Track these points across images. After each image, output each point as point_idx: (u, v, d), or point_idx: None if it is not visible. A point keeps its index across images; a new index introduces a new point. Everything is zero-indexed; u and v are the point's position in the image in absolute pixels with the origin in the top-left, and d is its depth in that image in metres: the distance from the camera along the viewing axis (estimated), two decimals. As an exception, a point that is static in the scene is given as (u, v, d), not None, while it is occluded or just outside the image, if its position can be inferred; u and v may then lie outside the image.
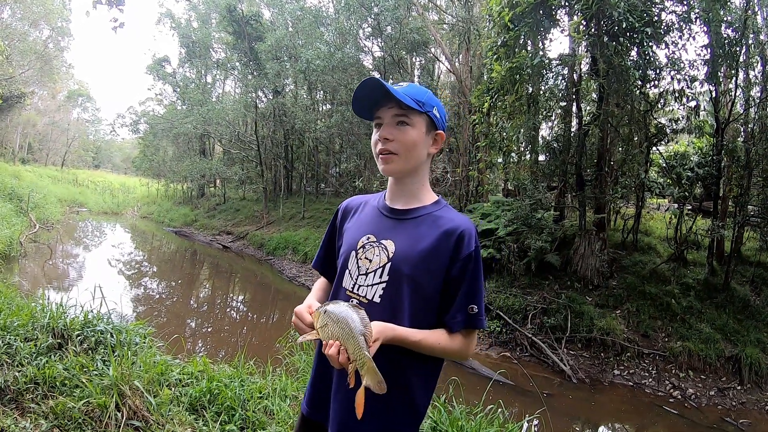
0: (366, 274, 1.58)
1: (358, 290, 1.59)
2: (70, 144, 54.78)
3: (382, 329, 1.43)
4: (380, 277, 1.56)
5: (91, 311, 4.73)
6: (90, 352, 4.05)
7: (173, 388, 3.76)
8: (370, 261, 1.58)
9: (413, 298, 1.54)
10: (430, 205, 1.66)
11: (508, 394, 7.27)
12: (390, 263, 1.55)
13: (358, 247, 1.62)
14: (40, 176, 36.16)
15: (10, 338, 3.87)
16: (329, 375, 1.62)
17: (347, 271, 1.63)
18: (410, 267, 1.53)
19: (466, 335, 1.60)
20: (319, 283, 1.88)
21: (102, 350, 4.06)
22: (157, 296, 12.86)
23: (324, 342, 1.41)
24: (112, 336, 4.31)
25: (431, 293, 1.55)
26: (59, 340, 4.05)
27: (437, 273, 1.55)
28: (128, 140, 57.55)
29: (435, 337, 1.54)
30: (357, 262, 1.61)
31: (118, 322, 4.86)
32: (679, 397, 7.61)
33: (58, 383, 3.44)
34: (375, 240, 1.61)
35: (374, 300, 1.55)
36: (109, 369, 3.54)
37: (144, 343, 4.59)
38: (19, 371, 3.49)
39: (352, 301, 1.50)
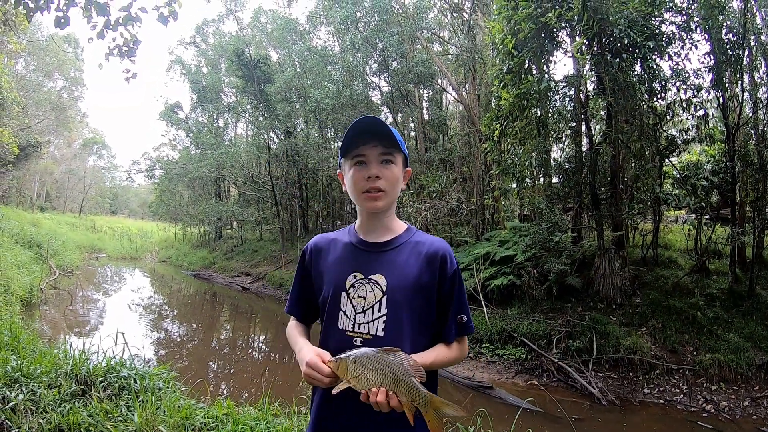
0: (364, 312, 1.61)
1: (359, 328, 1.61)
2: (87, 191, 55.68)
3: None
4: (379, 311, 1.60)
5: (114, 357, 4.75)
6: (114, 398, 4.05)
7: (198, 432, 3.73)
8: (364, 298, 1.62)
9: (412, 324, 1.62)
10: (404, 233, 1.75)
11: (537, 421, 7.11)
12: (385, 296, 1.61)
13: (348, 287, 1.65)
14: (58, 223, 36.74)
15: (33, 385, 3.89)
16: (342, 411, 1.61)
17: (341, 312, 1.64)
18: (404, 295, 1.61)
19: (459, 342, 1.72)
20: (298, 327, 1.86)
21: (126, 396, 4.06)
22: (179, 339, 12.86)
23: (363, 390, 1.43)
24: (135, 381, 4.31)
25: (424, 314, 1.65)
26: (83, 387, 4.06)
27: (427, 294, 1.65)
28: (144, 186, 58.48)
29: (441, 354, 1.65)
30: (351, 302, 1.63)
31: (141, 367, 4.86)
32: (713, 410, 7.41)
33: (82, 430, 3.43)
34: (363, 277, 1.65)
35: (378, 334, 1.59)
36: (133, 415, 3.53)
37: (167, 387, 4.57)
38: (43, 418, 3.50)
39: (355, 341, 1.60)
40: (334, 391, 1.47)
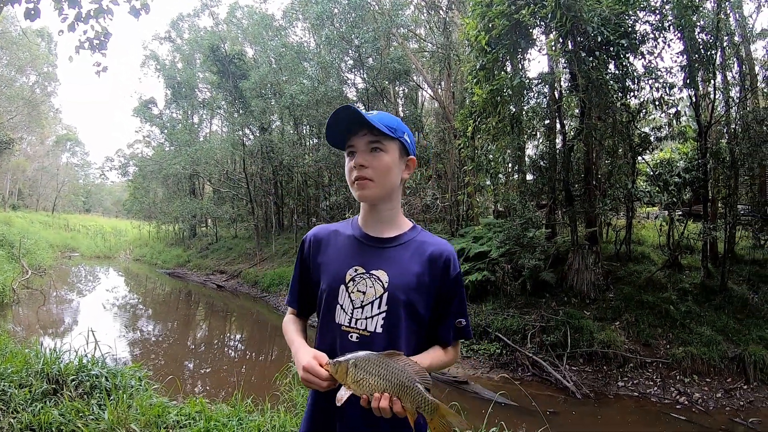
0: (362, 307, 1.58)
1: (356, 324, 1.57)
2: (60, 189, 54.80)
3: None
4: (379, 307, 1.57)
5: (86, 356, 4.70)
6: (85, 396, 4.01)
7: (171, 430, 3.71)
8: (364, 293, 1.58)
9: (409, 323, 1.58)
10: (409, 231, 1.71)
11: (511, 415, 7.18)
12: (387, 293, 1.57)
13: (347, 280, 1.61)
14: (31, 222, 36.14)
15: (4, 385, 3.84)
16: (333, 412, 1.57)
17: (338, 306, 1.60)
18: (405, 294, 1.57)
19: (454, 346, 1.70)
20: (295, 323, 1.80)
21: (97, 394, 4.02)
22: (154, 339, 12.72)
23: (364, 395, 1.39)
24: (107, 380, 4.28)
25: (423, 314, 1.61)
26: (54, 386, 4.02)
27: (428, 295, 1.61)
28: (118, 183, 57.71)
29: (438, 357, 1.63)
30: (349, 296, 1.60)
31: (114, 366, 4.82)
32: (686, 402, 7.57)
33: (54, 429, 3.40)
34: (364, 271, 1.61)
35: (376, 331, 1.56)
36: (104, 413, 3.50)
37: (140, 385, 4.54)
38: (14, 418, 3.46)
39: (351, 336, 1.56)
40: (338, 402, 1.42)
